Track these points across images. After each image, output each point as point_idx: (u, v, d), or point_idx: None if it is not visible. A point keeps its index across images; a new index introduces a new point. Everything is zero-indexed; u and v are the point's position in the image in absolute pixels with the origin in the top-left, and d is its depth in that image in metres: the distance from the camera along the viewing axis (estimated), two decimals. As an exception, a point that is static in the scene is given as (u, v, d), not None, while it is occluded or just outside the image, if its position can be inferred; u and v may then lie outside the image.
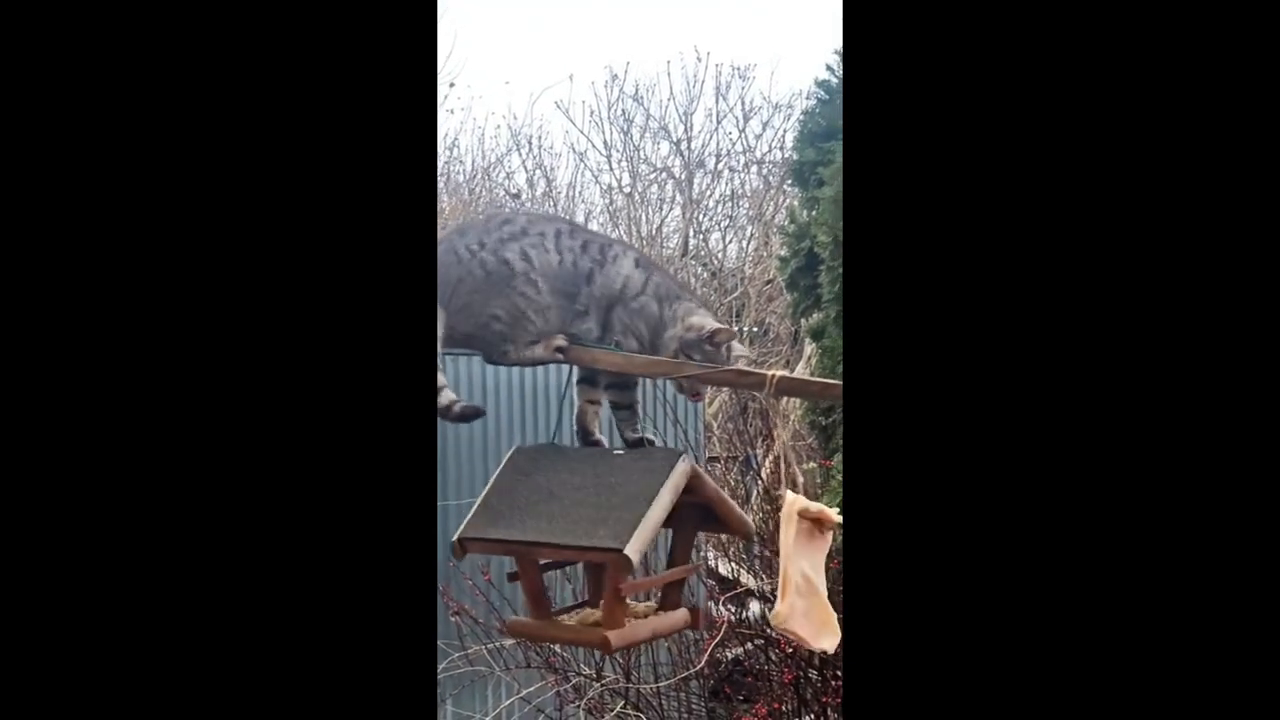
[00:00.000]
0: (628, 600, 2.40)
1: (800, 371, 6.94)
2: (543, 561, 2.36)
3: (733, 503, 2.46)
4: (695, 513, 2.39)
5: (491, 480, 2.40)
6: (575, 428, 2.50)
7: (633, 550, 2.17)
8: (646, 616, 2.40)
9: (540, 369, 2.70)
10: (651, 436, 2.48)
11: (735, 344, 2.39)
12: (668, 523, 2.34)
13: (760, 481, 6.15)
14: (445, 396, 2.38)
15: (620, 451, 2.42)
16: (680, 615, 2.43)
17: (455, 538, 2.32)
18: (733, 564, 5.69)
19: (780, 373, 2.26)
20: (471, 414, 2.40)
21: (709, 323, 2.38)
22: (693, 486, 2.32)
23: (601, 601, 2.34)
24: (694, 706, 5.55)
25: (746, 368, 2.34)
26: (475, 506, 2.36)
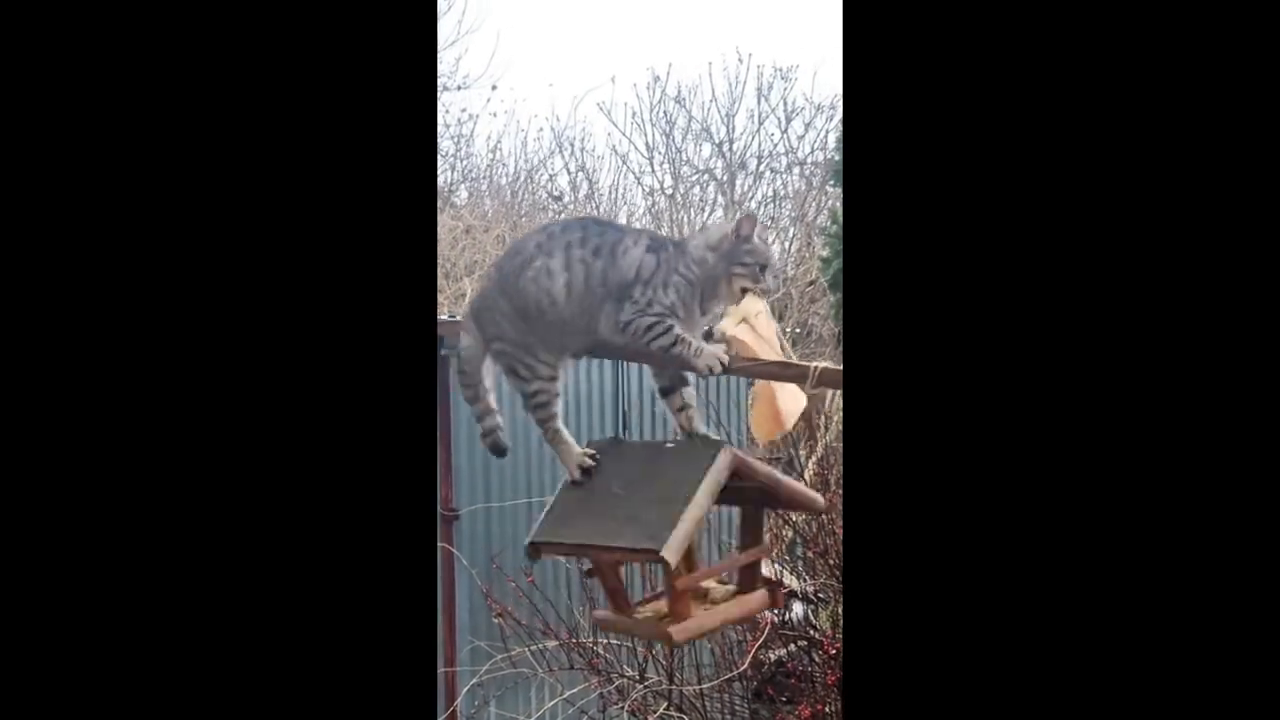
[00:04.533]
0: (705, 585, 2.40)
1: (843, 372, 6.90)
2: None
3: (791, 481, 2.44)
4: (757, 494, 2.38)
5: (562, 482, 2.44)
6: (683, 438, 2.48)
7: (669, 551, 2.16)
8: (725, 600, 2.38)
9: (592, 371, 2.72)
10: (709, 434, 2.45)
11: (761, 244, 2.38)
12: (736, 505, 2.38)
13: (804, 483, 6.11)
14: (490, 421, 2.49)
15: (671, 445, 2.41)
16: (759, 596, 2.41)
17: (528, 540, 2.37)
18: (776, 565, 5.66)
19: (824, 364, 2.24)
20: (498, 450, 2.50)
21: (725, 226, 2.39)
22: (742, 474, 2.31)
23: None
24: (737, 708, 5.52)
25: (789, 359, 2.33)
26: (547, 508, 2.40)
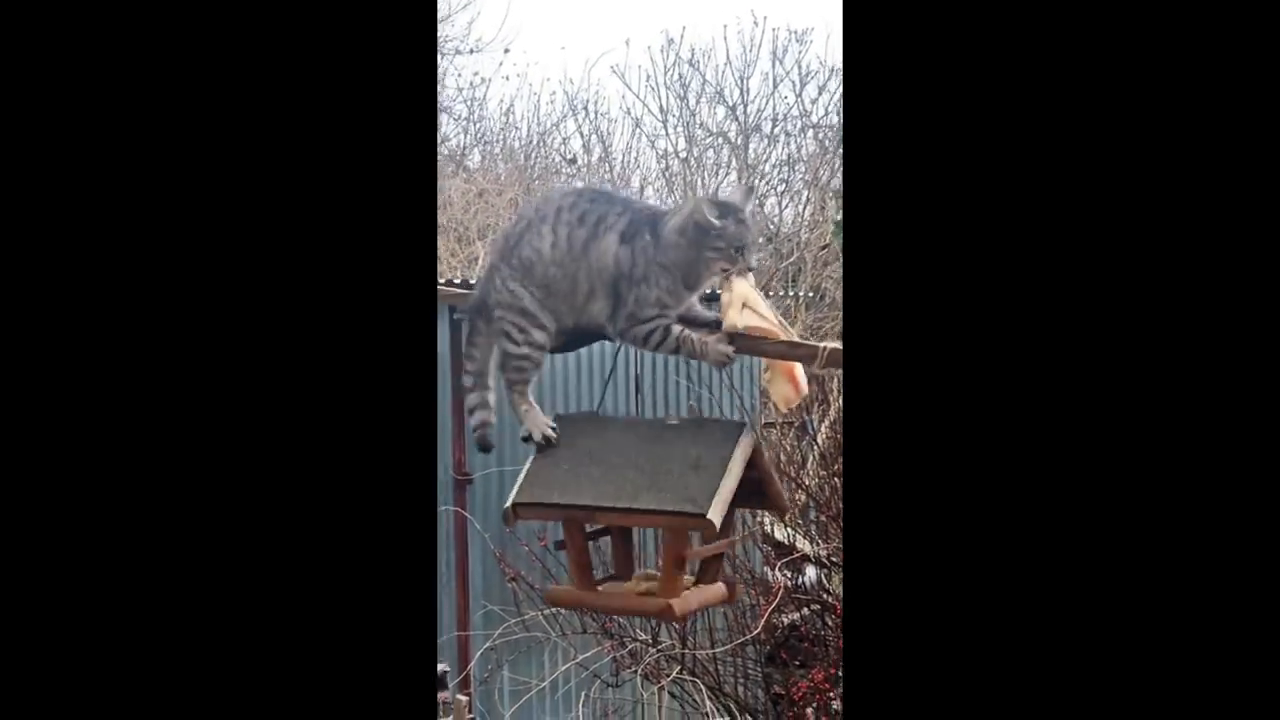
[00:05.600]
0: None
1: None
2: (590, 529, 2.36)
3: (776, 477, 2.45)
4: (741, 487, 2.37)
5: (535, 449, 2.41)
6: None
7: (715, 515, 2.17)
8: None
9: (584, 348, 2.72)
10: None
11: (710, 212, 2.30)
12: None
13: (816, 447, 6.13)
14: (479, 417, 2.48)
15: (675, 422, 2.41)
16: (718, 589, 2.43)
17: (508, 503, 2.33)
18: (789, 529, 5.68)
19: (833, 345, 2.24)
20: (484, 445, 2.49)
21: (680, 217, 2.33)
22: (754, 460, 2.32)
23: (660, 569, 2.33)
24: (750, 672, 5.56)
25: (799, 339, 2.33)
26: (523, 472, 2.37)
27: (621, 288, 2.31)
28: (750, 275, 2.34)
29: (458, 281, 5.70)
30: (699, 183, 11.38)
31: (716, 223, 2.28)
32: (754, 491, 2.39)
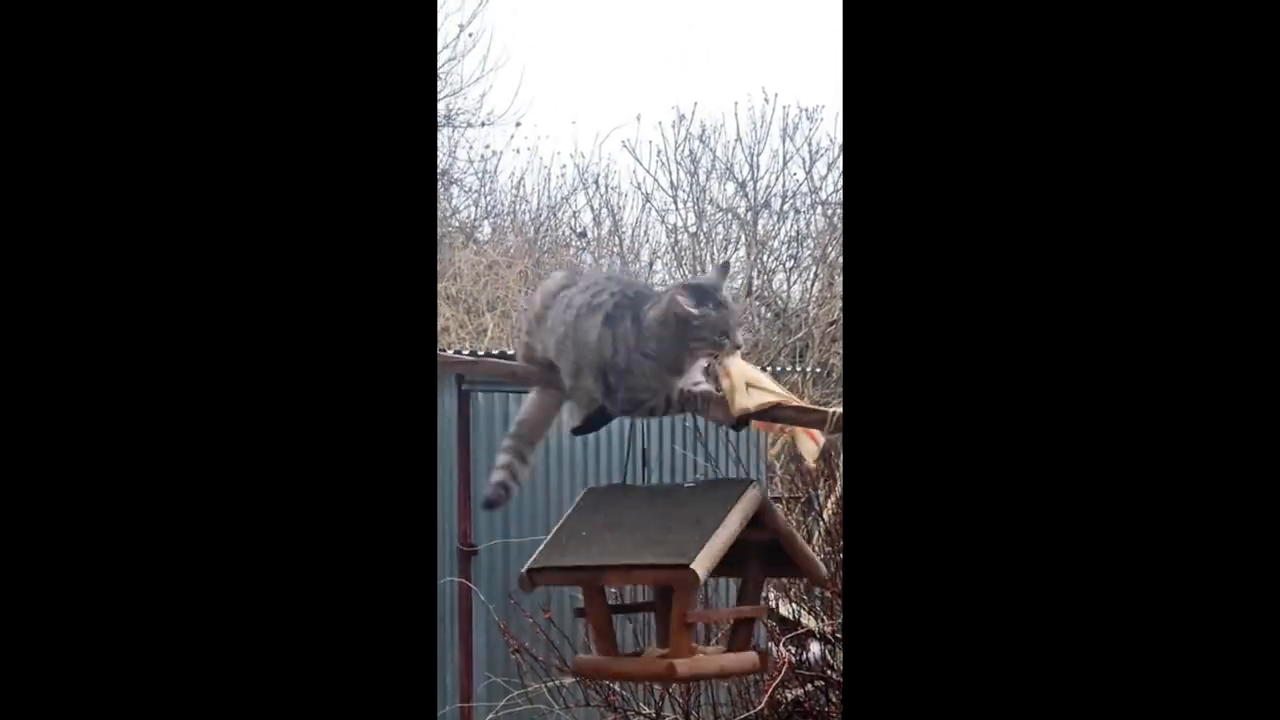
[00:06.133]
0: (694, 640, 2.38)
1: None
2: (611, 591, 2.35)
3: (803, 542, 2.43)
4: (764, 553, 2.36)
5: (563, 518, 2.41)
6: None
7: (699, 566, 2.14)
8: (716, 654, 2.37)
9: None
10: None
11: (687, 304, 2.27)
12: (736, 566, 2.33)
13: (822, 523, 6.11)
14: (500, 476, 2.49)
15: (692, 485, 2.41)
16: (749, 657, 2.40)
17: (524, 569, 2.33)
18: (794, 604, 5.65)
19: (841, 410, 2.25)
20: (492, 502, 2.48)
21: (659, 309, 2.32)
22: (763, 520, 2.30)
23: (670, 629, 2.31)
24: (754, 748, 5.50)
25: (808, 405, 2.34)
26: (545, 541, 2.37)
27: (610, 377, 2.32)
28: (738, 354, 2.33)
29: (466, 352, 5.72)
30: (708, 256, 11.42)
31: (695, 312, 2.25)
32: (777, 559, 2.38)
